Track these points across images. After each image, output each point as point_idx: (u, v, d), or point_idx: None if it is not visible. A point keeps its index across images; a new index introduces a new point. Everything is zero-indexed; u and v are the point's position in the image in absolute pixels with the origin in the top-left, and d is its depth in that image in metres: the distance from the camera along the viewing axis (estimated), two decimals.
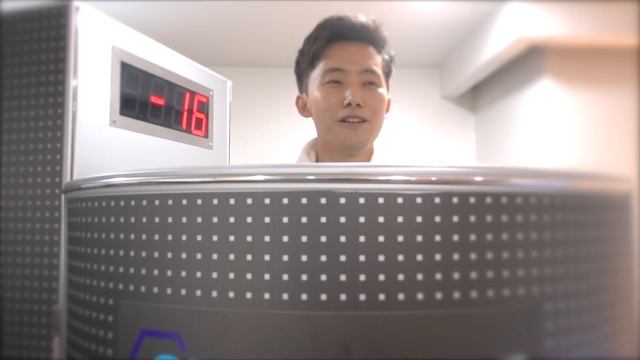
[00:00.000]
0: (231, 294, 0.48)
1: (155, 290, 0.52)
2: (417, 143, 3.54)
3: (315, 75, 1.10)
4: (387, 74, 1.14)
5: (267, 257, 0.48)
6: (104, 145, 0.87)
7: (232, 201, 0.49)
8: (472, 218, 0.49)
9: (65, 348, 0.70)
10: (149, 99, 0.98)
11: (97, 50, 0.87)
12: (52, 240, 0.79)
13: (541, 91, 2.39)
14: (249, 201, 0.49)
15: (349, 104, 1.03)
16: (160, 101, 1.00)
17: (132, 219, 0.54)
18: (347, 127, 1.05)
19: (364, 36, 1.08)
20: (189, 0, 2.47)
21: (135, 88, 0.95)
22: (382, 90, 1.08)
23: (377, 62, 1.09)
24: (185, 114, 1.08)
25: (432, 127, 3.24)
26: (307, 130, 1.29)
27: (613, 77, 2.37)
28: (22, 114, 0.83)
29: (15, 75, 0.83)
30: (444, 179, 0.49)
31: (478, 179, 0.50)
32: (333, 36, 1.07)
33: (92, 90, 0.85)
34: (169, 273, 0.51)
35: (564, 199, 0.54)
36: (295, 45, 1.18)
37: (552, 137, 2.38)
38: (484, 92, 3.12)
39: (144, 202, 0.54)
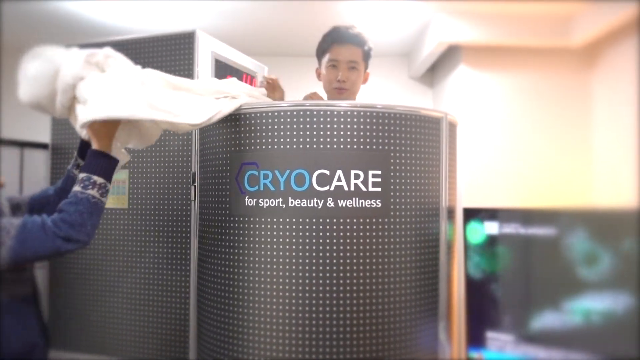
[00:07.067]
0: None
1: (248, 148, 1.36)
2: None
3: (324, 60, 1.74)
4: (366, 59, 1.75)
5: None
6: None
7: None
8: (374, 125, 1.32)
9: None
10: (226, 77, 1.81)
11: (205, 54, 1.70)
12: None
13: (460, 73, 3.31)
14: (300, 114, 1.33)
15: (339, 80, 1.72)
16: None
17: (246, 126, 1.38)
18: (337, 92, 1.77)
19: (350, 40, 1.70)
20: (244, 0, 3.19)
21: (220, 71, 1.78)
22: (359, 71, 1.72)
23: (358, 54, 1.71)
24: None
25: (400, 100, 4.10)
26: None
27: (511, 63, 3.36)
28: None
29: (181, 69, 1.67)
30: (356, 107, 1.33)
31: (379, 106, 1.34)
32: (333, 41, 1.72)
33: (205, 74, 1.69)
34: (258, 140, 1.35)
35: (388, 114, 1.38)
36: (314, 39, 1.82)
37: (470, 105, 3.40)
38: (436, 72, 4.14)
39: (254, 115, 1.38)
